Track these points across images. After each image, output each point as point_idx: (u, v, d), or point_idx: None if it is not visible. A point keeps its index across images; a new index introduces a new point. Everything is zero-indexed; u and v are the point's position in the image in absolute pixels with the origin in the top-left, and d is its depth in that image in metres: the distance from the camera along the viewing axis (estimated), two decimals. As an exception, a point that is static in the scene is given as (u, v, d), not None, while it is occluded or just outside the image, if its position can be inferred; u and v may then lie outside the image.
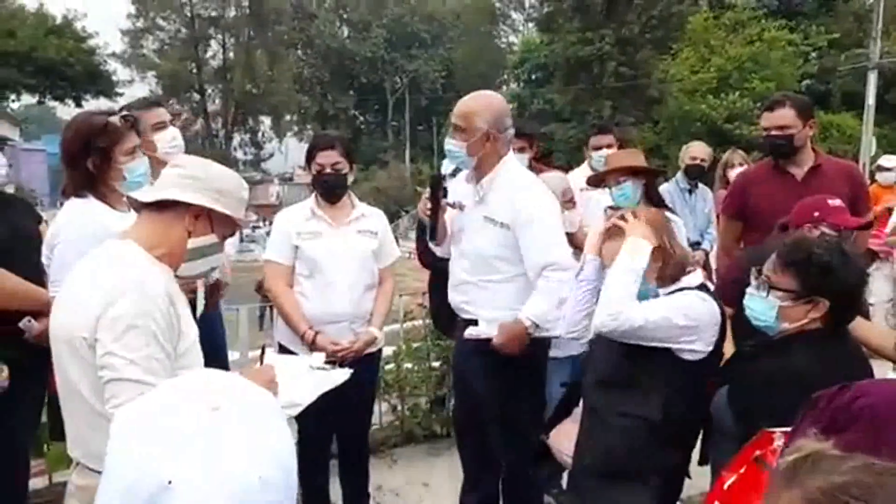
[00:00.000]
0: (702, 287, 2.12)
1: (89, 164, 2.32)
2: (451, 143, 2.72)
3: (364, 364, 2.88)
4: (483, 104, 2.71)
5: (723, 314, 2.08)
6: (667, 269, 2.07)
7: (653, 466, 2.04)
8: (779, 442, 1.65)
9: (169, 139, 2.87)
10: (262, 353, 2.08)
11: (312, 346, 2.80)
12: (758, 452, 1.63)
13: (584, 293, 2.29)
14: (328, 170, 2.90)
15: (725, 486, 1.66)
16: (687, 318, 1.99)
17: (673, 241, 2.11)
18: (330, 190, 2.95)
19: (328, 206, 2.97)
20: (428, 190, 2.85)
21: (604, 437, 2.11)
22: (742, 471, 1.66)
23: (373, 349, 2.99)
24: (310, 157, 2.97)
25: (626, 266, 2.03)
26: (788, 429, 1.65)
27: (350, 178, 2.98)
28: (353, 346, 2.86)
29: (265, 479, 0.76)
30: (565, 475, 2.73)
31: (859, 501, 0.70)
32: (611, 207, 3.11)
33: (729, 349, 2.81)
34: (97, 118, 2.42)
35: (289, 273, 2.96)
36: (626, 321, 1.97)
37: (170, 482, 0.73)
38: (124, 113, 2.53)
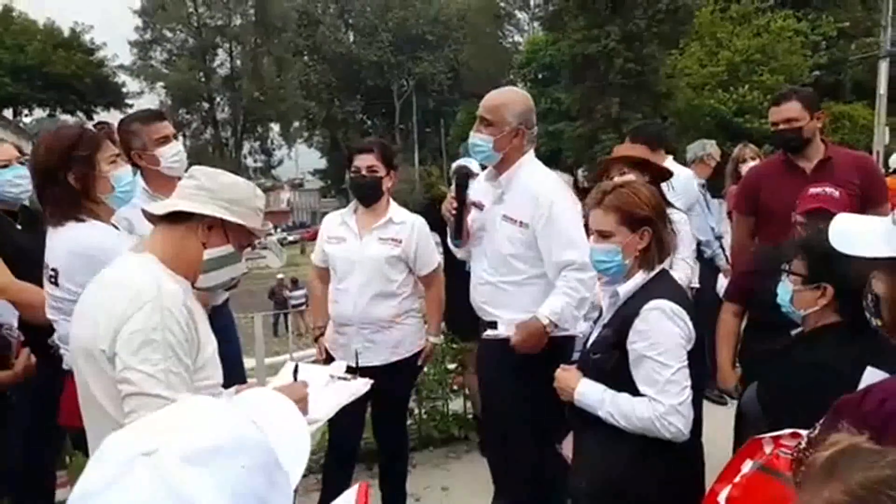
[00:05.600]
0: (678, 291, 2.05)
1: (70, 178, 2.19)
2: (477, 137, 2.69)
3: (399, 369, 3.02)
4: (513, 98, 2.72)
5: (692, 317, 1.97)
6: (650, 252, 2.00)
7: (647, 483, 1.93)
8: (769, 448, 1.62)
9: (172, 153, 2.74)
10: (296, 369, 2.10)
11: (315, 343, 3.15)
12: (753, 461, 1.60)
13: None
14: (363, 172, 2.95)
15: (721, 499, 1.61)
16: (661, 356, 1.88)
17: (663, 229, 2.03)
18: (363, 192, 3.01)
19: (363, 211, 3.02)
20: (453, 188, 2.87)
21: (592, 454, 2.03)
22: (737, 480, 1.61)
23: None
24: (349, 160, 3.05)
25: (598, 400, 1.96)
26: (776, 434, 1.62)
27: (388, 184, 3.00)
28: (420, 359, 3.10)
29: None
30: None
31: None
32: None
33: (726, 355, 2.80)
34: (69, 129, 2.35)
35: (324, 274, 3.15)
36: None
37: None
38: (96, 122, 2.50)
